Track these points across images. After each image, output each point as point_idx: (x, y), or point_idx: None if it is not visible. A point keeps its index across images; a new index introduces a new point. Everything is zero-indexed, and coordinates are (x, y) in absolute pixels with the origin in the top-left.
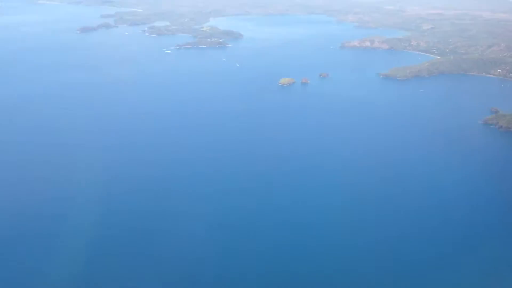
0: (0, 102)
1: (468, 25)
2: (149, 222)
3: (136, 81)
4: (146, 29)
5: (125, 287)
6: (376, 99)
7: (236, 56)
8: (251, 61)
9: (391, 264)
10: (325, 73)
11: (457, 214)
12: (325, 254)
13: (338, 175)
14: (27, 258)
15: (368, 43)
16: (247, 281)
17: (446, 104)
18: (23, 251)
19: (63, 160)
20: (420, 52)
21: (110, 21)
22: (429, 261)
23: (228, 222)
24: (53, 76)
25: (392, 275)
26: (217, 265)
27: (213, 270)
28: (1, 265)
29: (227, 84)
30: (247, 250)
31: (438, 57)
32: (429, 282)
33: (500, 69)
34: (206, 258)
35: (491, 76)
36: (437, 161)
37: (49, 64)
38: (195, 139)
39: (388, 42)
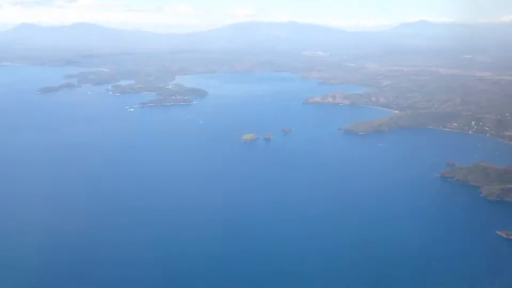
0: None
1: (425, 81)
2: None
3: (92, 141)
4: (110, 88)
5: None
6: (335, 153)
7: (201, 113)
8: (215, 117)
9: None
10: (288, 128)
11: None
12: None
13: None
14: None
15: (330, 99)
16: None
17: (403, 158)
18: None
19: None
20: (380, 107)
21: (73, 81)
22: None
23: None
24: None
25: None
26: None
27: None
28: None
29: (189, 141)
30: None
31: (397, 111)
32: None
33: (456, 123)
34: None
35: (448, 129)
36: (389, 209)
37: (2, 125)
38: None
39: (349, 98)
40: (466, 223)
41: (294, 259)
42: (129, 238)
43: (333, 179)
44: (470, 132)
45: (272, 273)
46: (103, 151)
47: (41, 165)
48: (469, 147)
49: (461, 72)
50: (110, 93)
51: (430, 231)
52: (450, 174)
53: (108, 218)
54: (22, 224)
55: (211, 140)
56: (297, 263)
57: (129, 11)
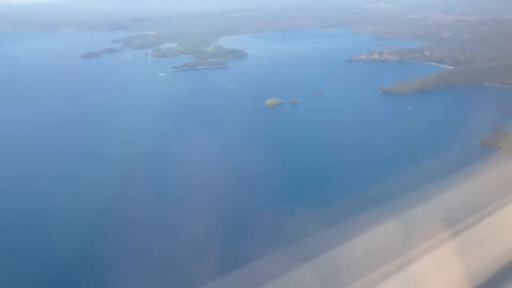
0: None
1: (491, 30)
2: None
3: (108, 109)
4: (150, 52)
5: None
6: (360, 118)
7: (234, 76)
8: (247, 81)
9: None
10: (319, 91)
11: None
12: None
13: None
14: None
15: (376, 56)
16: None
17: (441, 122)
18: None
19: None
20: (432, 63)
21: (117, 45)
22: None
23: None
24: (22, 106)
25: None
26: None
27: None
28: None
29: (207, 108)
30: None
31: (451, 67)
32: None
33: None
34: None
35: (506, 86)
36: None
37: (29, 93)
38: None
39: (398, 53)
40: None
41: None
42: None
43: (341, 146)
44: None
45: None
46: (112, 120)
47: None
48: None
49: None
50: (149, 57)
51: None
52: (493, 141)
53: None
54: None
55: (232, 106)
56: None
57: None
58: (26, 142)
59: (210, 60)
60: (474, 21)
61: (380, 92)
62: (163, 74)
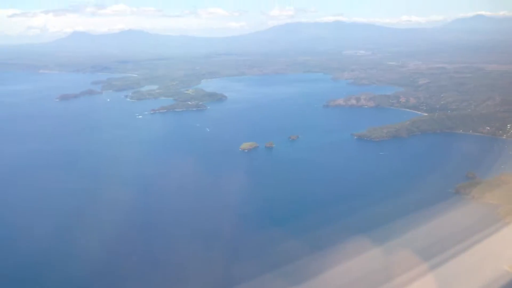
0: None
1: (466, 78)
2: None
3: (84, 151)
4: (129, 94)
5: None
6: (334, 162)
7: (211, 119)
8: (224, 124)
9: None
10: (295, 135)
11: None
12: None
13: None
14: None
15: (353, 101)
16: None
17: (414, 168)
18: None
19: None
20: (407, 109)
21: (97, 87)
22: None
23: None
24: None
25: None
26: None
27: None
28: None
29: (180, 150)
30: None
31: (426, 114)
32: None
33: (488, 127)
34: None
35: (478, 134)
36: None
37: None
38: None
39: (375, 100)
40: None
41: None
42: None
43: (313, 192)
44: (504, 137)
45: None
46: (87, 160)
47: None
48: (497, 155)
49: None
50: (128, 99)
51: None
52: (466, 190)
53: None
54: None
55: (206, 149)
56: None
57: (163, 16)
58: None
59: (189, 102)
60: (450, 69)
61: (355, 137)
62: (140, 116)
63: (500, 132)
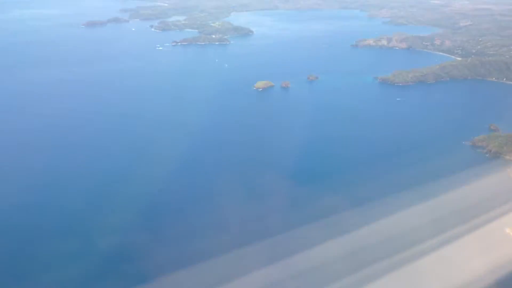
0: None
1: (511, 22)
2: None
3: (97, 80)
4: (155, 24)
5: None
6: (348, 108)
7: (232, 54)
8: (245, 60)
9: None
10: (314, 75)
11: None
12: None
13: None
14: None
15: (384, 42)
16: None
17: (431, 118)
18: None
19: None
20: (441, 53)
21: (124, 15)
22: None
23: None
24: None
25: None
26: None
27: None
28: None
29: (193, 86)
30: None
31: (459, 58)
32: None
33: None
34: None
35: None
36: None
37: (24, 60)
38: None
39: (407, 41)
40: None
41: None
42: None
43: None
44: None
45: None
46: (95, 92)
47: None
48: None
49: None
50: (153, 29)
51: None
52: (483, 143)
53: None
54: None
55: (219, 86)
56: None
57: None
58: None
59: (213, 36)
60: (496, 10)
61: (378, 80)
62: (160, 48)
63: None
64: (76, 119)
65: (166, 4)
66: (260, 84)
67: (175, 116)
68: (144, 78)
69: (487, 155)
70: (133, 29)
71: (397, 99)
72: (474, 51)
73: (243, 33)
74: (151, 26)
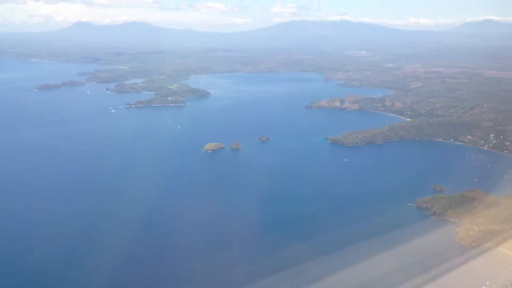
0: None
1: (460, 84)
2: None
3: (44, 145)
4: (112, 86)
5: None
6: (296, 168)
7: (187, 116)
8: (197, 123)
9: None
10: (266, 137)
11: None
12: None
13: None
14: None
15: (337, 103)
16: None
17: (376, 179)
18: None
19: None
20: (391, 114)
21: (81, 78)
22: None
23: None
24: None
25: None
26: None
27: None
28: None
29: (141, 148)
30: None
31: (408, 119)
32: None
33: (470, 136)
34: None
35: (459, 143)
36: None
37: None
38: None
39: (359, 102)
40: None
41: None
42: None
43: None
44: (485, 147)
45: None
46: (45, 155)
47: None
48: (473, 168)
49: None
50: (109, 92)
51: None
52: (428, 204)
53: None
54: None
55: (168, 148)
56: None
57: (161, 8)
58: None
59: (169, 98)
60: (446, 73)
61: (328, 141)
62: (113, 110)
63: (482, 142)
64: None
65: (125, 68)
66: (209, 146)
67: (115, 181)
68: (91, 141)
69: (431, 217)
70: (88, 92)
71: (344, 159)
72: (423, 112)
73: (200, 95)
74: (107, 89)
